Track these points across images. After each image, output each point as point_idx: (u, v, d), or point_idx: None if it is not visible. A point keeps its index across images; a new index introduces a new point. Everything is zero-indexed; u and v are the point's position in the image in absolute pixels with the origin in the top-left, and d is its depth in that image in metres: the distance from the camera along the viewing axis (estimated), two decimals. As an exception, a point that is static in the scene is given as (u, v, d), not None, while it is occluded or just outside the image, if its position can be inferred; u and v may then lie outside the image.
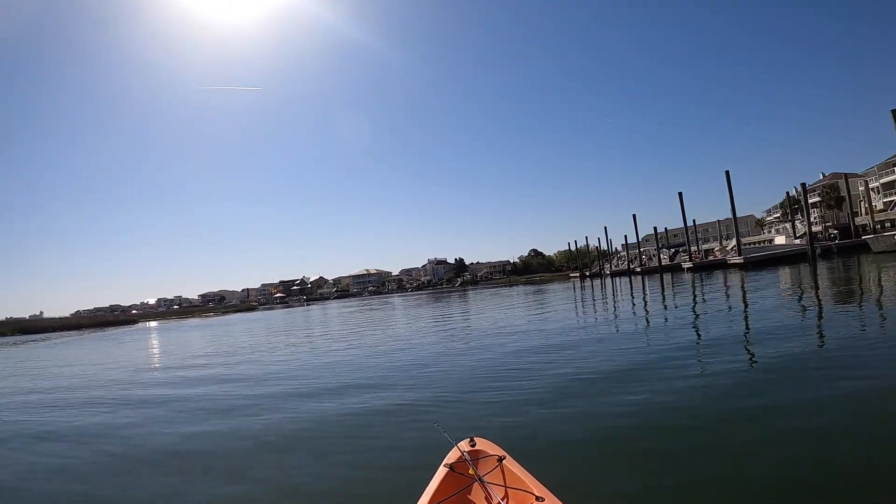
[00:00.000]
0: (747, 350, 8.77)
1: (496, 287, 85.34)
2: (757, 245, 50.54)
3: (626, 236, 68.87)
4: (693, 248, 55.18)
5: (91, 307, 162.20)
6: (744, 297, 19.49)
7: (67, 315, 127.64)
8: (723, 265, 44.53)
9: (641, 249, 66.33)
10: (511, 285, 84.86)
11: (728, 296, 20.68)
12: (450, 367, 9.93)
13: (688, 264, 48.64)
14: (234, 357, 16.79)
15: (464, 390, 7.70)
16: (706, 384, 6.62)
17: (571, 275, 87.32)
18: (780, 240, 48.72)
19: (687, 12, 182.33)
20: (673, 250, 61.06)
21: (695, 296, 22.51)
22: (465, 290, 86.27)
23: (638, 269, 59.31)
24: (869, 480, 3.58)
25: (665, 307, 18.91)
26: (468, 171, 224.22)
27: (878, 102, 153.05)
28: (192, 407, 8.76)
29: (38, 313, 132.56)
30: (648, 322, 14.88)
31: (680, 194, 47.41)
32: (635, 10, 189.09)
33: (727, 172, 40.65)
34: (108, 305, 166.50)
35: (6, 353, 34.65)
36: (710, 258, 50.43)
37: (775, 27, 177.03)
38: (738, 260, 41.16)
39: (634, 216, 57.50)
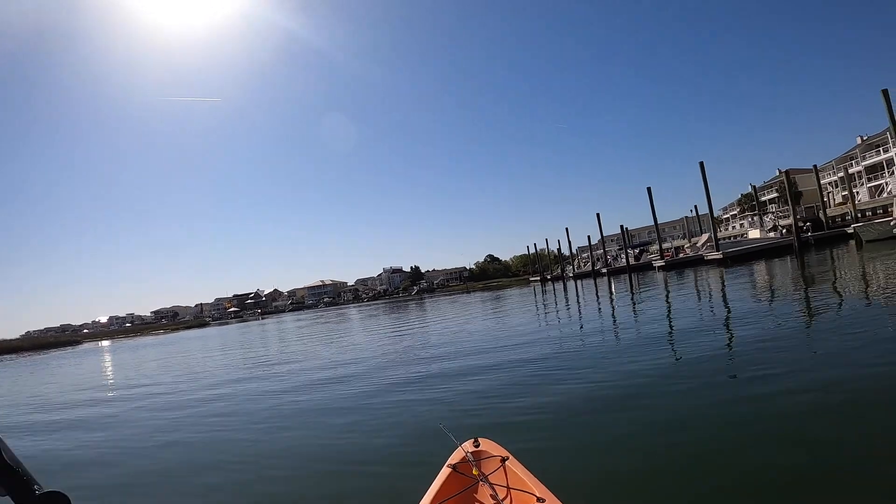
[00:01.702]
0: (760, 357, 7.43)
1: (454, 294, 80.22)
2: (732, 240, 46.53)
3: (589, 236, 63.80)
4: (659, 246, 50.79)
5: (43, 327, 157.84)
6: (723, 292, 18.16)
7: (18, 336, 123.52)
8: (698, 262, 40.00)
9: (606, 249, 62.03)
10: (469, 292, 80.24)
11: (725, 295, 17.63)
12: (449, 372, 9.59)
13: (659, 262, 44.10)
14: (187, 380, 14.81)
15: (467, 393, 7.57)
16: (709, 388, 6.13)
17: (532, 279, 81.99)
18: (754, 233, 44.69)
19: (635, 14, 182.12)
20: (638, 249, 56.91)
21: (668, 292, 21.40)
22: (422, 299, 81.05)
23: (604, 271, 54.42)
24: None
25: (642, 308, 17.39)
26: (422, 179, 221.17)
27: (827, 99, 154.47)
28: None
29: None
30: (638, 327, 13.12)
31: (649, 189, 42.87)
32: (588, 12, 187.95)
33: (701, 164, 36.57)
34: (58, 325, 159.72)
35: None
36: (681, 255, 46.14)
37: (725, 26, 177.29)
38: (716, 255, 36.70)
39: (598, 215, 52.78)
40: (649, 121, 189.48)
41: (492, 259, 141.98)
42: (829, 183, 68.00)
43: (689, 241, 53.73)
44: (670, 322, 12.56)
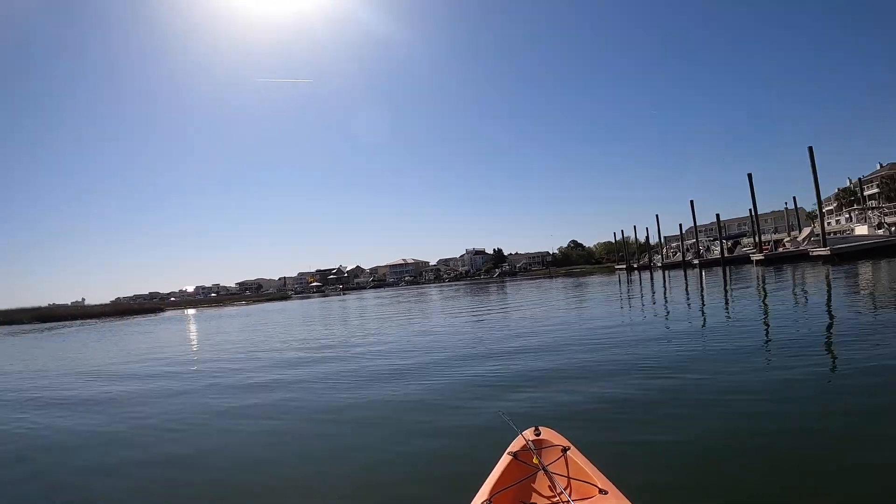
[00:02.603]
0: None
1: (536, 279, 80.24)
2: (834, 236, 43.09)
3: (680, 225, 60.93)
4: (758, 239, 47.95)
5: (132, 294, 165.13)
6: (829, 294, 16.33)
7: (108, 301, 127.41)
8: (801, 257, 38.11)
9: (699, 240, 59.23)
10: (552, 277, 79.67)
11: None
12: (514, 357, 9.52)
13: (757, 256, 41.96)
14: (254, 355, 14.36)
15: (529, 380, 7.45)
16: (790, 382, 5.91)
17: (617, 267, 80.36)
18: (861, 230, 41.34)
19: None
20: (732, 241, 54.17)
21: (764, 291, 19.75)
22: (503, 282, 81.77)
23: (695, 262, 52.71)
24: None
25: (737, 306, 16.00)
26: (506, 162, 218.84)
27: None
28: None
29: (80, 300, 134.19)
30: (728, 326, 11.97)
31: (749, 176, 40.96)
32: None
33: (810, 149, 34.14)
34: (147, 293, 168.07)
35: None
36: (780, 250, 43.70)
37: (820, 17, 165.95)
38: (822, 251, 34.71)
39: (692, 202, 50.81)
40: (740, 120, 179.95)
41: (575, 245, 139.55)
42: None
43: (790, 235, 50.65)
44: (767, 324, 11.40)
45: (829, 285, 19.15)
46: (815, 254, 35.98)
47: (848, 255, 33.05)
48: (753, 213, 42.76)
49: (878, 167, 69.44)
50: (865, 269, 24.14)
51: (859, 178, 63.68)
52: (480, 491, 2.81)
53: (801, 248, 41.14)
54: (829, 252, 34.00)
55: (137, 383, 10.67)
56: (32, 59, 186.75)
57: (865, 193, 66.73)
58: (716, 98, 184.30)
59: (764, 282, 24.24)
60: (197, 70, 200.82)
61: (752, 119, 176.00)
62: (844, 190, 73.29)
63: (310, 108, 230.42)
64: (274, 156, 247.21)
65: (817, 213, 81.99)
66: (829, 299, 14.77)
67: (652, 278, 41.28)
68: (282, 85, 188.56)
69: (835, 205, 73.94)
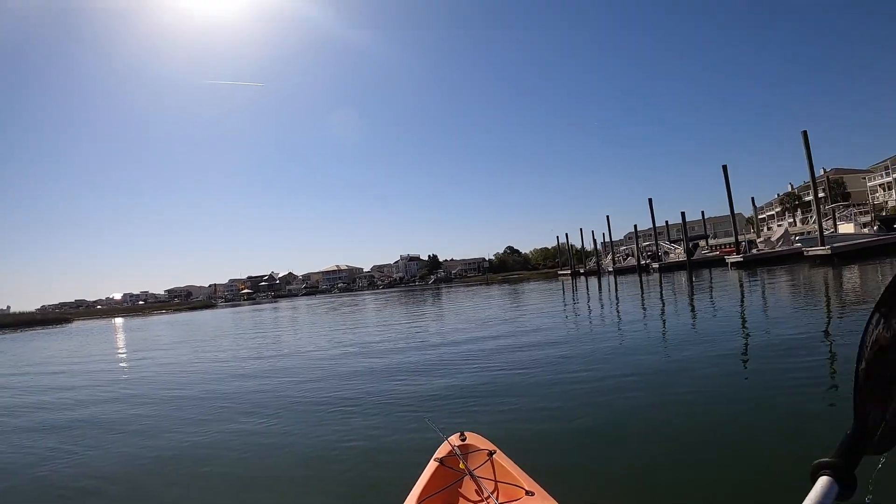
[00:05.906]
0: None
1: (472, 285, 72.72)
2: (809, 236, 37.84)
3: (635, 225, 53.40)
4: (707, 242, 42.19)
5: (58, 301, 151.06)
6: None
7: (33, 309, 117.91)
8: (790, 258, 31.95)
9: (658, 242, 52.93)
10: (488, 283, 72.98)
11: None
12: (440, 365, 9.22)
13: (734, 258, 35.37)
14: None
15: (454, 387, 7.21)
16: (707, 387, 5.93)
17: (560, 272, 73.55)
18: (846, 228, 35.95)
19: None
20: (691, 244, 48.27)
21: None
22: (438, 288, 74.54)
23: (654, 266, 46.12)
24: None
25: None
26: (442, 168, 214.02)
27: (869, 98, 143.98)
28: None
29: (5, 308, 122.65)
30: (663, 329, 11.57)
31: (724, 168, 34.50)
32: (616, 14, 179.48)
33: (804, 133, 28.45)
34: (73, 300, 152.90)
35: None
36: (754, 251, 37.57)
37: (767, 22, 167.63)
38: (821, 251, 28.37)
39: (650, 200, 44.13)
40: (686, 124, 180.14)
41: (511, 251, 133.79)
42: (881, 185, 62.14)
43: (759, 236, 45.20)
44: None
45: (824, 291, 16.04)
46: (811, 254, 29.53)
47: (850, 255, 27.23)
48: (731, 209, 36.49)
49: (822, 172, 66.71)
50: (868, 270, 21.17)
51: (820, 176, 60.08)
52: (408, 498, 2.68)
53: (776, 248, 35.28)
54: (829, 251, 27.86)
55: None
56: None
57: (807, 199, 63.88)
58: (652, 103, 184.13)
59: (741, 287, 20.19)
60: (131, 71, 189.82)
61: (687, 126, 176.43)
62: (788, 194, 72.05)
63: (240, 112, 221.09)
64: (210, 160, 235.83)
65: (752, 219, 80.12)
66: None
67: (600, 286, 34.83)
68: (225, 88, 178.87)
69: (778, 209, 73.13)
